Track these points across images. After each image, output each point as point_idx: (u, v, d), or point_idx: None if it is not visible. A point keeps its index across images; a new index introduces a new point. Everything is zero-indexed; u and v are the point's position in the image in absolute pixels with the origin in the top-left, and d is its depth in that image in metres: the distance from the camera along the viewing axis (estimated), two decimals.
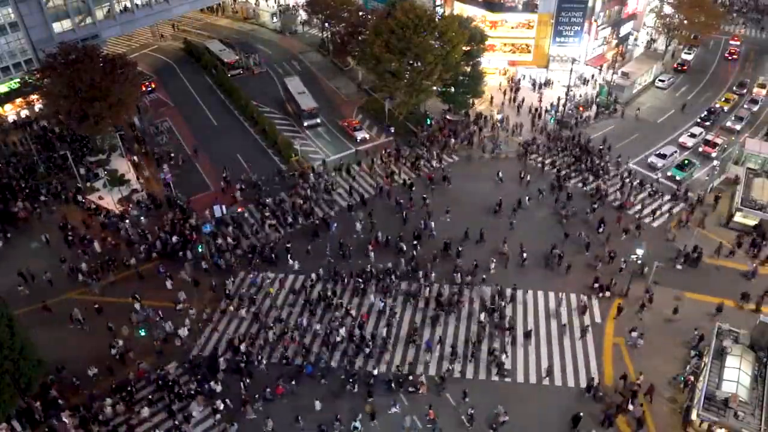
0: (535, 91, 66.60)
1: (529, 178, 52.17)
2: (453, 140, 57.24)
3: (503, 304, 40.36)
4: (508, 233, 45.68)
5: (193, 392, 34.67)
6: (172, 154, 55.50)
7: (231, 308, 40.44)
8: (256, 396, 34.46)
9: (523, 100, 64.19)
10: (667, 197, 50.27)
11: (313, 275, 42.46)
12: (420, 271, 42.50)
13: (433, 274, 42.60)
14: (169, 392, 34.57)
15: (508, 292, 41.13)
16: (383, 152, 55.80)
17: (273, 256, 44.11)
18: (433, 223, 46.72)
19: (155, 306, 40.04)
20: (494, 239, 45.17)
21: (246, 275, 43.29)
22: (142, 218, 47.85)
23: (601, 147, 55.99)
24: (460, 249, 43.98)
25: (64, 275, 42.45)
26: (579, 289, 41.72)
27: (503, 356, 36.39)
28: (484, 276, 42.29)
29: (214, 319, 40.07)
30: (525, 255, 43.44)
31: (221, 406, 33.66)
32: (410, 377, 35.44)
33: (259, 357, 36.78)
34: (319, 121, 60.72)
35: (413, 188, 51.29)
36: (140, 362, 36.34)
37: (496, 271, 42.63)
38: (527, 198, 49.50)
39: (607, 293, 40.98)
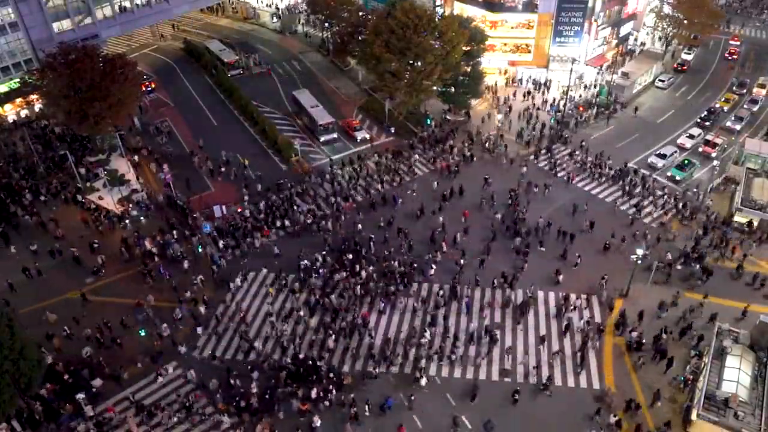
0: (537, 90, 66.53)
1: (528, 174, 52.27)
2: (416, 156, 55.66)
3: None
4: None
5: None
6: (172, 155, 55.65)
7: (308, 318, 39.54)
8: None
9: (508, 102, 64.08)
10: (666, 197, 50.13)
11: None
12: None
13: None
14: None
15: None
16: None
17: (362, 250, 43.72)
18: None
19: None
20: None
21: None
22: (141, 218, 47.78)
23: (635, 168, 53.53)
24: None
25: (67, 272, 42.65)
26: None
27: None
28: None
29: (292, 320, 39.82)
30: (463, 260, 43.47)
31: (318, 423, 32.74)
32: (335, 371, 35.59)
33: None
34: (336, 135, 58.18)
35: (473, 159, 54.90)
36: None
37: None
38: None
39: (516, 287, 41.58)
